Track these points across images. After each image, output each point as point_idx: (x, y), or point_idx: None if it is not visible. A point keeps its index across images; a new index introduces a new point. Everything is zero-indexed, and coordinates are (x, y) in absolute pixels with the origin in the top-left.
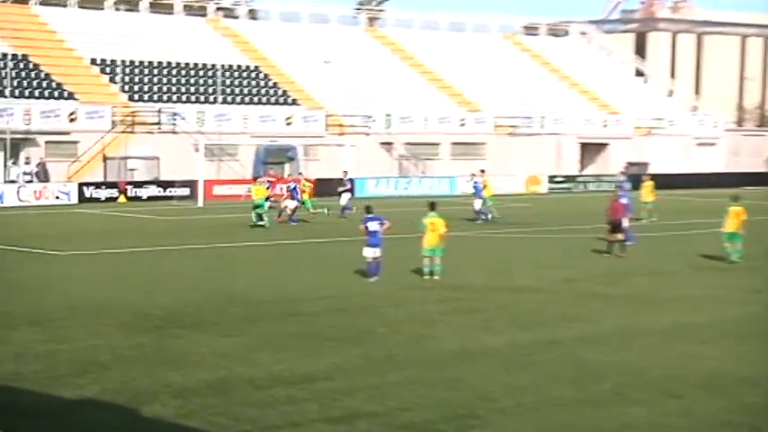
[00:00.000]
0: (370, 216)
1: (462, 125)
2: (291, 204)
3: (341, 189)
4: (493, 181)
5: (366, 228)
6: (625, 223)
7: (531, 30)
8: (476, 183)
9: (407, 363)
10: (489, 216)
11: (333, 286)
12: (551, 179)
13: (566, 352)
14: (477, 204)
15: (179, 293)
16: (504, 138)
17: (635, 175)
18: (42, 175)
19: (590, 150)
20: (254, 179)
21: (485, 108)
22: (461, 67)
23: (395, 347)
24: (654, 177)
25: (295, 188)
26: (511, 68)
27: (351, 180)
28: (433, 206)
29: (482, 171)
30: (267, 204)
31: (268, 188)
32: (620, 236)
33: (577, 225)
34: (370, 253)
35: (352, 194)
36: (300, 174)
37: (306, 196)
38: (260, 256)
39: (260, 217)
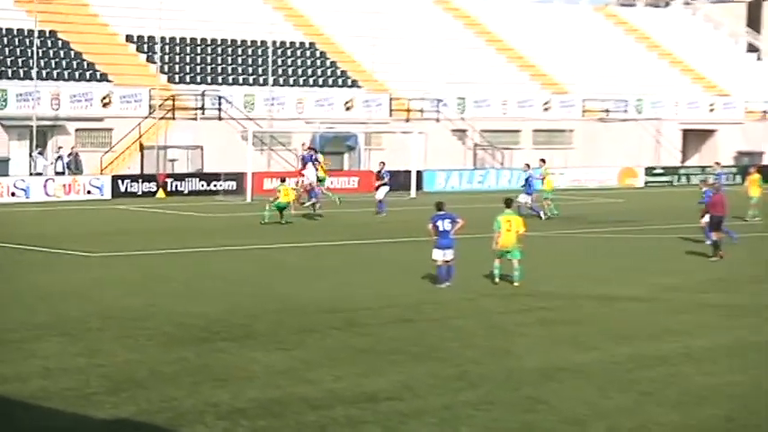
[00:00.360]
0: (440, 213)
1: (546, 109)
2: (311, 176)
3: (378, 183)
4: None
5: (435, 227)
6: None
7: (626, 0)
8: (529, 175)
9: (483, 381)
10: (542, 214)
11: (397, 293)
12: (649, 171)
13: (668, 370)
14: (523, 198)
15: (225, 301)
16: (595, 124)
17: (743, 167)
18: (74, 167)
19: (694, 138)
20: (282, 180)
21: (572, 90)
22: (545, 43)
23: (468, 364)
24: (760, 169)
25: (312, 158)
26: (603, 44)
27: (389, 173)
28: (509, 203)
29: (542, 161)
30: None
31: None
32: (715, 236)
33: (679, 224)
34: (440, 256)
35: (390, 189)
36: (315, 151)
37: (322, 172)
38: (313, 258)
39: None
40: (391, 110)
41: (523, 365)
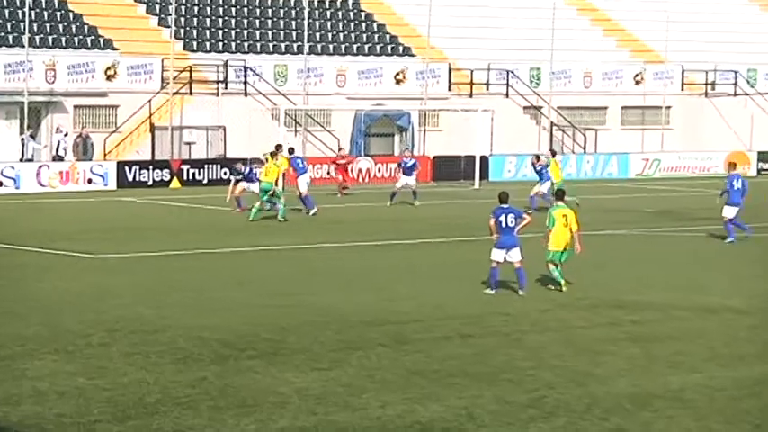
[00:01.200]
0: (504, 207)
1: (638, 82)
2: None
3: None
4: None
5: (498, 222)
6: None
7: None
8: (542, 168)
9: (561, 409)
10: (534, 205)
11: (454, 303)
12: (763, 157)
13: None
14: (541, 188)
15: (251, 312)
16: (698, 100)
17: None
18: (82, 152)
19: None
20: (272, 155)
21: (670, 58)
22: (637, 3)
23: (543, 388)
24: None
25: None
26: (705, 3)
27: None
28: (561, 194)
29: (552, 152)
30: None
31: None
32: None
33: None
34: (500, 256)
35: (415, 177)
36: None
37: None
38: (353, 260)
39: (271, 203)
40: (451, 83)
41: (610, 391)
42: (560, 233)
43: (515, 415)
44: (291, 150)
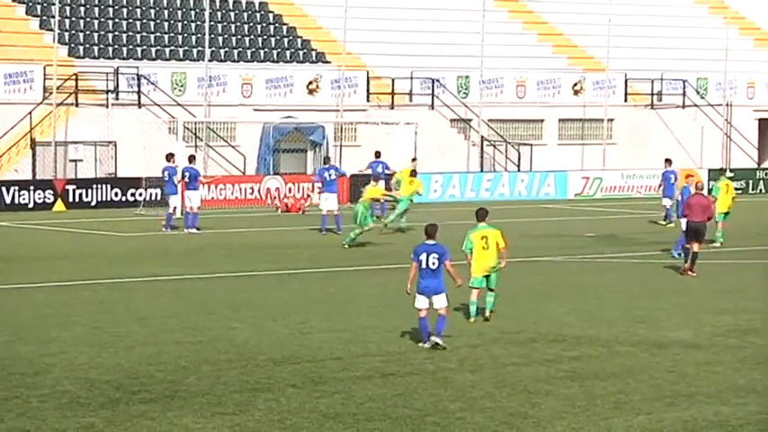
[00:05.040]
0: (430, 244)
1: (577, 93)
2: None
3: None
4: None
5: (419, 262)
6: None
7: None
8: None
9: None
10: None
11: (376, 338)
12: (714, 174)
13: None
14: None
15: (145, 349)
16: (643, 111)
17: None
18: None
19: None
20: (376, 179)
21: (612, 66)
22: (575, 4)
23: None
24: None
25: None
26: (651, 7)
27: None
28: (482, 215)
29: (413, 160)
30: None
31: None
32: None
33: (756, 245)
34: (424, 303)
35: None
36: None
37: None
38: (260, 291)
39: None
40: (370, 93)
41: None
42: (480, 257)
43: None
44: (192, 159)
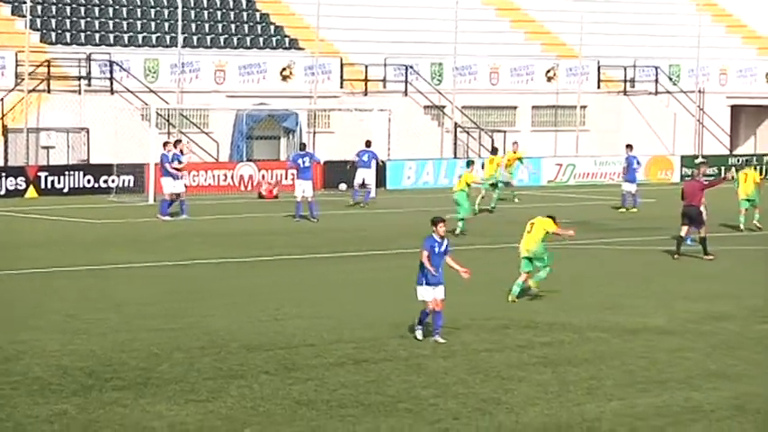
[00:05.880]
0: (437, 237)
1: (550, 79)
2: (177, 187)
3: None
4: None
5: (432, 252)
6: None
7: None
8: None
9: None
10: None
11: (349, 325)
12: (688, 161)
13: (711, 427)
14: None
15: (119, 336)
16: (616, 98)
17: None
18: None
19: (748, 116)
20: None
21: (585, 53)
22: None
23: (447, 419)
24: None
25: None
26: None
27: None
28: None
29: (514, 144)
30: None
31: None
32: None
33: (729, 232)
34: (429, 295)
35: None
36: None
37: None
38: (235, 278)
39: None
40: (343, 80)
41: (519, 420)
42: (523, 239)
43: None
44: (177, 143)
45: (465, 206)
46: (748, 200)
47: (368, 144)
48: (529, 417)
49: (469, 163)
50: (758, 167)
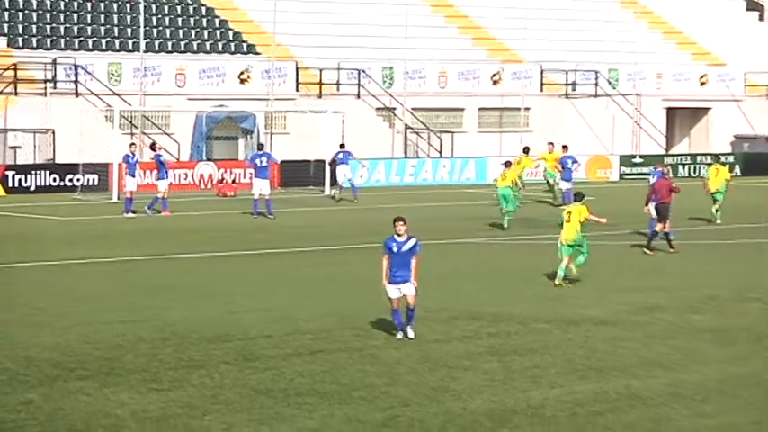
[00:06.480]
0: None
1: (496, 83)
2: (162, 186)
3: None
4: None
5: (391, 252)
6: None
7: None
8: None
9: (416, 428)
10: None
11: (305, 317)
12: (625, 161)
13: (647, 413)
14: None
15: (82, 328)
16: (557, 101)
17: (741, 155)
18: None
19: (682, 118)
20: (506, 164)
21: (529, 58)
22: (494, 0)
23: (398, 406)
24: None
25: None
26: (566, 1)
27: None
28: (578, 198)
29: (550, 144)
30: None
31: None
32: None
33: (696, 226)
34: (395, 293)
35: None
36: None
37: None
38: (195, 273)
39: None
40: (298, 83)
41: (467, 407)
42: (564, 228)
43: None
44: (153, 146)
45: (512, 202)
46: (718, 192)
47: (342, 146)
48: (476, 404)
49: (508, 164)
50: (726, 164)
